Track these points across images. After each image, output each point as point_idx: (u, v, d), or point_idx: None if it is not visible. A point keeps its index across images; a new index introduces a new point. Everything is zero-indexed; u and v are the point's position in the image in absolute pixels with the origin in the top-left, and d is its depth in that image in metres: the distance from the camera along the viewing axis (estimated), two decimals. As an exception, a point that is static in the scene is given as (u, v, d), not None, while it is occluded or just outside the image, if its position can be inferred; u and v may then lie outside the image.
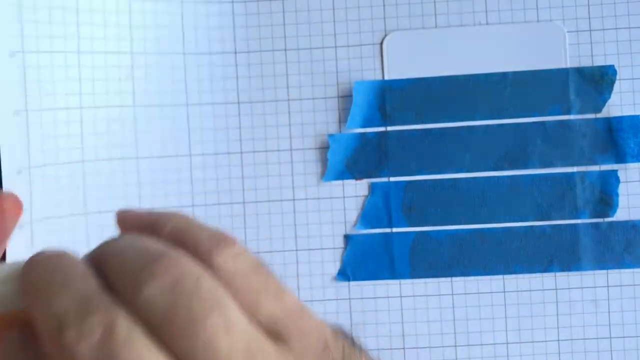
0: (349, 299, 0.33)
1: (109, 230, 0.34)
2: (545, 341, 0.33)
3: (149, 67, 0.33)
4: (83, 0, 0.32)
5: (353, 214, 0.33)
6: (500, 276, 0.33)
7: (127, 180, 0.33)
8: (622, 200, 0.32)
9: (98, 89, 0.32)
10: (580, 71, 0.33)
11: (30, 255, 0.17)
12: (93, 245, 0.33)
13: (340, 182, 0.33)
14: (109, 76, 0.32)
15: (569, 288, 0.33)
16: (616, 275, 0.32)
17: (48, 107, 0.32)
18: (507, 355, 0.33)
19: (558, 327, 0.33)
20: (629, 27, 0.33)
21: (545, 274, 0.33)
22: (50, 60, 0.32)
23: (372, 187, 0.33)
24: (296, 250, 0.33)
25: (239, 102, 0.33)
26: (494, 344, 0.33)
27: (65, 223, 0.33)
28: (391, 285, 0.33)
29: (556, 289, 0.33)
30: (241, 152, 0.33)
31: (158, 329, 0.15)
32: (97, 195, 0.33)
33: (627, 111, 0.33)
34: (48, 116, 0.32)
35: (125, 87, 0.33)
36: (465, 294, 0.33)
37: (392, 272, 0.33)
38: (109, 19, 0.32)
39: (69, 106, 0.32)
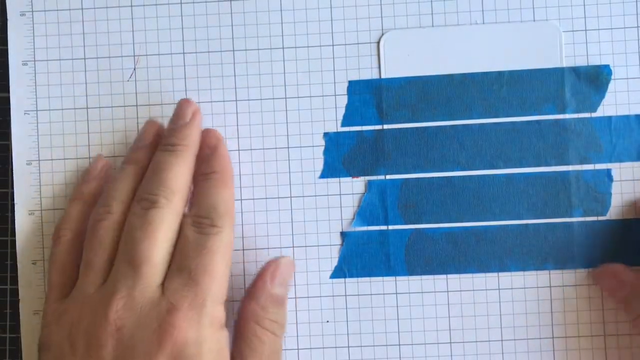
0: (345, 295, 0.36)
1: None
2: (540, 338, 0.35)
3: (151, 68, 0.36)
4: (88, 13, 0.36)
5: (349, 212, 0.36)
6: (495, 273, 0.36)
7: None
8: (616, 199, 0.35)
9: (103, 90, 0.36)
10: (575, 70, 0.36)
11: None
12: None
13: (336, 179, 0.36)
14: (113, 79, 0.36)
15: (563, 285, 0.35)
16: (609, 273, 0.35)
17: (56, 107, 0.37)
18: (502, 352, 0.35)
19: (552, 325, 0.35)
20: (624, 27, 0.36)
21: (539, 272, 0.35)
22: (59, 67, 0.36)
23: (369, 185, 0.36)
24: (293, 247, 0.36)
25: (236, 100, 0.36)
26: (489, 341, 0.35)
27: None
28: (387, 282, 0.36)
29: (550, 287, 0.35)
30: (239, 150, 0.36)
31: None
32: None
33: (622, 111, 0.35)
34: (56, 116, 0.36)
35: (129, 89, 0.36)
36: (460, 291, 0.36)
37: (388, 269, 0.36)
38: (112, 27, 0.37)
39: (76, 107, 0.36)
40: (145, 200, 0.30)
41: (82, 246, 0.32)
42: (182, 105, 0.33)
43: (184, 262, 0.29)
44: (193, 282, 0.29)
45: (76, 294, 0.30)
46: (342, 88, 0.36)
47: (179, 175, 0.31)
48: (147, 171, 0.31)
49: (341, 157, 0.36)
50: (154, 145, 0.33)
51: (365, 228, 0.36)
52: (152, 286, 0.29)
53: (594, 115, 0.35)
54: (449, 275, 0.36)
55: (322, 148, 0.36)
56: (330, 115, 0.36)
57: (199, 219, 0.30)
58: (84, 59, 0.37)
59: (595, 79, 0.35)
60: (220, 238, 0.30)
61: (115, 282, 0.29)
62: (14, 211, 0.36)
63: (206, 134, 0.33)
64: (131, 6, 0.37)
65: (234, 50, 0.36)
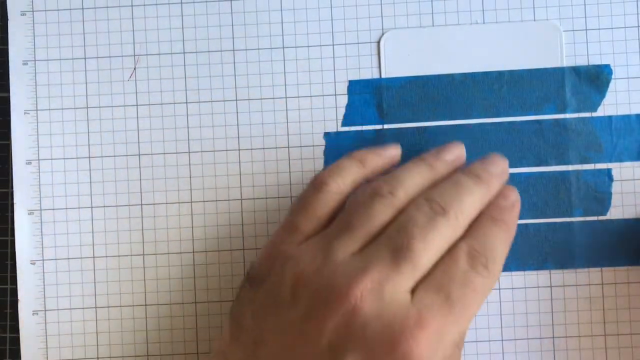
0: (346, 295, 0.36)
1: (112, 223, 0.38)
2: (540, 338, 0.35)
3: (151, 68, 0.36)
4: (89, 12, 0.36)
5: (350, 211, 0.36)
6: (495, 273, 0.36)
7: (129, 176, 0.36)
8: (616, 199, 0.35)
9: (103, 90, 0.36)
10: (576, 70, 0.36)
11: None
12: (97, 235, 0.38)
13: (337, 179, 0.36)
14: (113, 78, 0.36)
15: (564, 285, 0.35)
16: (610, 273, 0.35)
17: (56, 107, 0.37)
18: (502, 352, 0.35)
19: (553, 325, 0.35)
20: (625, 27, 0.36)
21: (539, 271, 0.36)
22: (59, 66, 0.36)
23: (369, 185, 0.36)
24: (293, 246, 0.36)
25: (236, 100, 0.36)
26: (489, 340, 0.36)
27: (72, 214, 0.37)
28: (387, 282, 0.36)
29: (551, 287, 0.35)
30: (239, 150, 0.36)
31: None
32: (101, 190, 0.37)
33: (622, 110, 0.35)
34: (56, 115, 0.36)
35: (129, 88, 0.36)
36: (461, 290, 0.36)
37: (388, 268, 0.36)
38: (113, 26, 0.37)
39: (76, 107, 0.36)
40: (438, 205, 0.29)
41: (340, 205, 0.31)
42: (495, 157, 0.32)
43: (446, 283, 0.27)
44: (448, 309, 0.27)
45: (322, 248, 0.28)
46: (343, 88, 0.36)
47: (474, 204, 0.30)
48: (443, 181, 0.31)
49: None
50: (453, 165, 0.32)
51: (365, 228, 0.36)
52: (403, 287, 0.27)
53: (594, 115, 0.35)
54: (450, 275, 0.36)
55: (323, 148, 0.36)
56: (331, 115, 0.36)
57: (475, 252, 0.28)
58: (85, 58, 0.37)
59: (595, 79, 0.35)
60: (487, 283, 0.28)
61: (370, 261, 0.27)
62: (14, 211, 0.36)
63: (508, 188, 0.32)
64: (131, 6, 0.37)
65: (234, 50, 0.37)
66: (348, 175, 0.31)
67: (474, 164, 0.32)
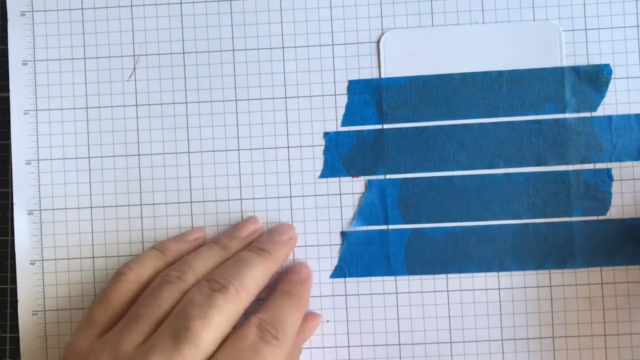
0: (345, 295, 0.36)
1: (112, 223, 0.38)
2: (540, 338, 0.35)
3: (151, 68, 0.36)
4: (88, 12, 0.36)
5: (349, 211, 0.36)
6: (495, 273, 0.36)
7: (129, 176, 0.36)
8: (616, 199, 0.35)
9: (103, 90, 0.36)
10: (576, 70, 0.35)
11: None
12: (97, 235, 0.37)
13: (336, 179, 0.36)
14: (113, 78, 0.36)
15: (563, 285, 0.35)
16: (610, 273, 0.35)
17: (55, 107, 0.37)
18: (502, 352, 0.35)
19: (553, 324, 0.35)
20: (624, 27, 0.36)
21: (539, 271, 0.35)
22: (59, 67, 0.36)
23: (369, 185, 0.36)
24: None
25: (236, 100, 0.36)
26: (489, 340, 0.35)
27: (72, 215, 0.37)
28: (387, 282, 0.36)
29: (550, 286, 0.35)
30: (238, 150, 0.36)
31: None
32: (100, 190, 0.37)
33: (622, 110, 0.35)
34: (55, 116, 0.36)
35: (128, 89, 0.36)
36: (461, 290, 0.36)
37: (388, 268, 0.36)
38: (112, 26, 0.37)
39: (76, 107, 0.36)
40: (217, 282, 0.30)
41: (139, 294, 0.31)
42: (283, 227, 0.35)
43: (232, 356, 0.28)
44: None
45: (111, 342, 0.29)
46: (342, 87, 0.36)
47: (257, 277, 0.31)
48: (229, 260, 0.32)
49: (341, 157, 0.36)
50: (247, 240, 0.34)
51: (365, 228, 0.36)
52: None
53: (594, 114, 0.35)
54: (449, 275, 0.36)
55: (322, 148, 0.36)
56: (330, 115, 0.36)
57: (265, 323, 0.30)
58: (84, 58, 0.37)
59: (595, 79, 0.35)
60: (277, 352, 0.29)
61: (152, 351, 0.27)
62: (13, 211, 0.36)
63: (299, 264, 0.34)
64: (131, 6, 0.37)
65: (233, 50, 0.36)
66: (147, 264, 0.32)
67: (261, 236, 0.34)
